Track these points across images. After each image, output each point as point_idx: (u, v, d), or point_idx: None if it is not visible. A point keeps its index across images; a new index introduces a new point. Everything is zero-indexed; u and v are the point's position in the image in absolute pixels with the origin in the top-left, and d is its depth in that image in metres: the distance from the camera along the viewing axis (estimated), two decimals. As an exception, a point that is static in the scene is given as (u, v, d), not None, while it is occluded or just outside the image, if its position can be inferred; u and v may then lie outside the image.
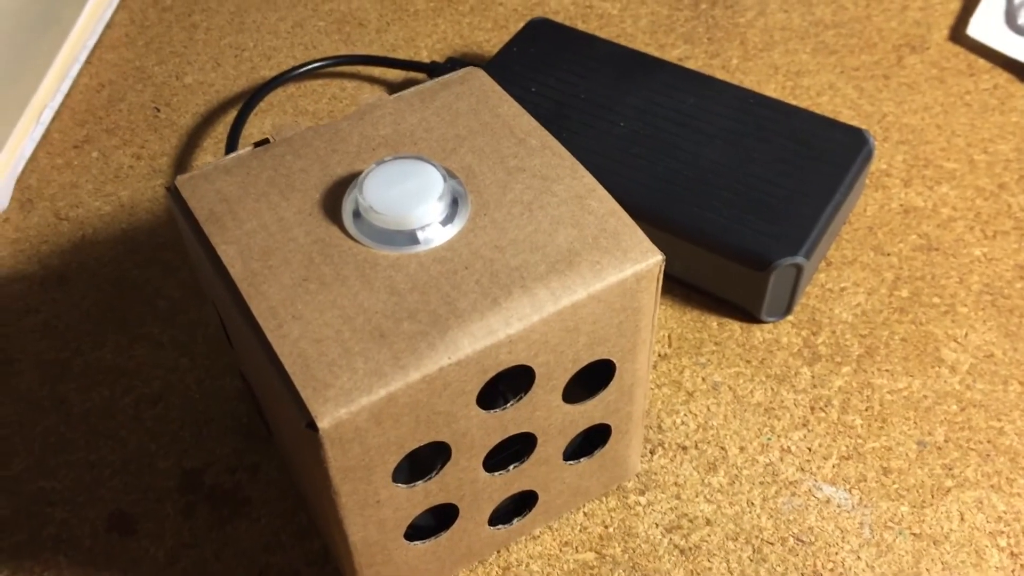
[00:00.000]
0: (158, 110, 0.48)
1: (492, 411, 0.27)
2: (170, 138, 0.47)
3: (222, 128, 0.47)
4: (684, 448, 0.36)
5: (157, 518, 0.34)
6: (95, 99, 0.49)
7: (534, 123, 0.30)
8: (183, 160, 0.46)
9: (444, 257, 0.27)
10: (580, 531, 0.34)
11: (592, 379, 0.29)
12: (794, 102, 0.47)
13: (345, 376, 0.24)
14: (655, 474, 0.35)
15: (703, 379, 0.37)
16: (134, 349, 0.39)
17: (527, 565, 0.33)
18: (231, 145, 0.44)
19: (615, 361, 0.28)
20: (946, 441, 0.35)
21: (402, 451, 0.26)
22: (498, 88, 0.31)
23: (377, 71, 0.50)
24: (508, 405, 0.27)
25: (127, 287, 0.41)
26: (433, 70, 0.48)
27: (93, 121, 0.48)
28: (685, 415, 0.36)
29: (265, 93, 0.47)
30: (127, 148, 0.47)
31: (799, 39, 0.50)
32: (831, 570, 0.32)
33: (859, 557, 0.33)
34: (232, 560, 0.33)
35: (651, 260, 0.27)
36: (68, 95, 0.49)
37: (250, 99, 0.46)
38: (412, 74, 0.49)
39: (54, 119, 0.48)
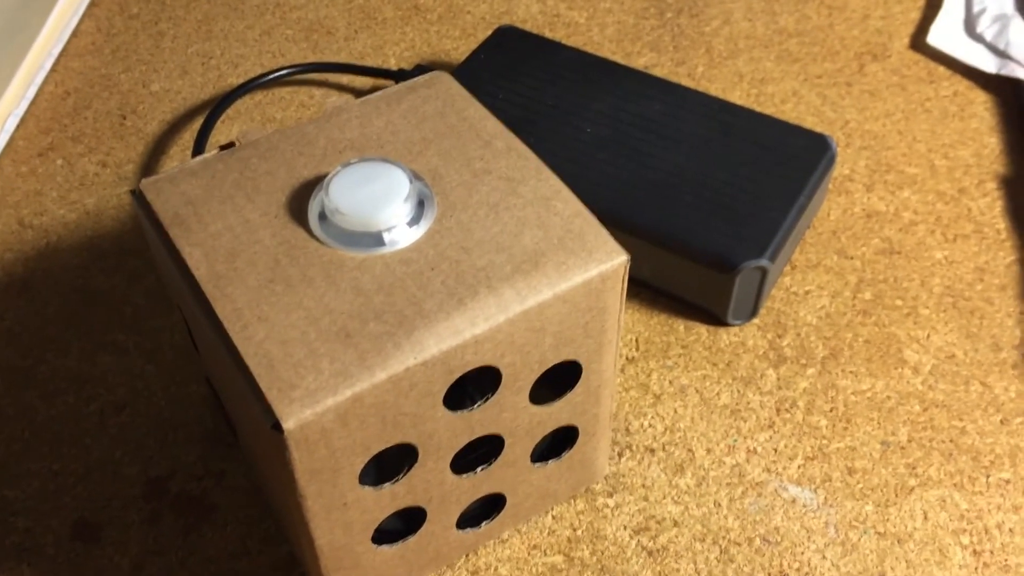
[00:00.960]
0: (124, 118, 0.48)
1: (459, 412, 0.27)
2: (136, 145, 0.47)
3: (189, 135, 0.47)
4: (652, 450, 0.36)
5: (122, 526, 0.34)
6: (60, 107, 0.49)
7: (500, 126, 0.30)
8: (149, 167, 0.46)
9: (410, 258, 0.27)
10: (548, 534, 0.34)
11: (559, 381, 0.29)
12: (759, 109, 0.47)
13: (311, 377, 0.24)
14: (623, 476, 0.35)
15: (670, 382, 0.38)
16: (99, 356, 0.39)
17: (495, 569, 0.33)
18: (198, 152, 0.44)
19: (581, 362, 0.29)
20: (909, 441, 0.36)
21: (368, 453, 0.26)
22: (464, 91, 0.32)
23: (345, 78, 0.50)
24: (475, 406, 0.27)
25: (92, 294, 0.41)
26: (401, 77, 0.48)
27: (58, 129, 0.48)
28: (653, 417, 0.37)
29: (232, 100, 0.47)
30: (93, 156, 0.46)
31: (763, 47, 0.51)
32: (797, 570, 0.33)
33: (824, 556, 0.33)
34: (198, 567, 0.33)
35: (616, 260, 0.27)
36: (33, 103, 0.49)
37: (217, 106, 0.46)
38: (380, 81, 0.49)
39: (19, 127, 0.48)
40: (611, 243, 0.27)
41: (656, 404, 0.37)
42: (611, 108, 0.42)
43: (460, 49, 0.51)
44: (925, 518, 0.34)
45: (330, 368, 0.24)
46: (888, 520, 0.34)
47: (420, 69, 0.48)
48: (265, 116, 0.48)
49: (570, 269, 0.27)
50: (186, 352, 0.39)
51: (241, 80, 0.50)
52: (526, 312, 0.26)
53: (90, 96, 0.49)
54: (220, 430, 0.36)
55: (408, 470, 0.27)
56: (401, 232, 0.27)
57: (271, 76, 0.48)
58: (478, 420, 0.28)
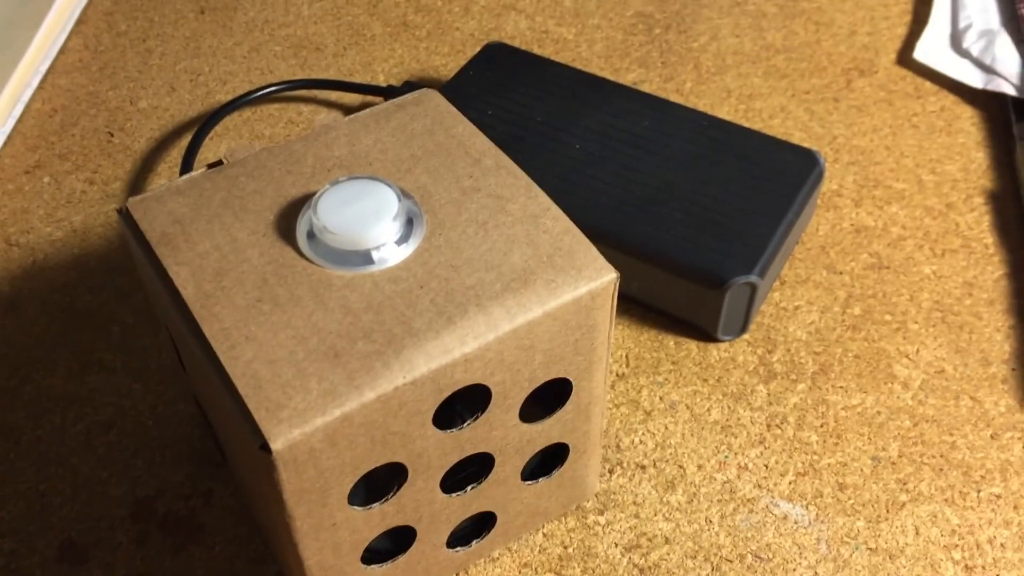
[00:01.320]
0: (112, 135, 0.48)
1: (449, 431, 0.27)
2: (124, 163, 0.47)
3: (177, 153, 0.47)
4: (643, 467, 0.36)
5: (109, 547, 0.34)
6: (47, 124, 0.49)
7: (489, 143, 0.30)
8: (137, 185, 0.46)
9: (399, 277, 0.27)
10: (539, 552, 0.34)
11: (549, 398, 0.29)
12: (747, 125, 0.48)
13: (299, 397, 0.24)
14: (614, 493, 0.35)
15: (660, 398, 0.38)
16: (86, 376, 0.38)
17: (486, 588, 0.33)
18: (186, 169, 0.44)
19: (572, 379, 0.29)
20: (900, 456, 0.36)
21: (357, 472, 0.25)
22: (453, 109, 0.32)
23: (334, 95, 0.50)
24: (465, 425, 0.27)
25: (79, 313, 0.41)
26: (390, 94, 0.48)
27: (45, 146, 0.47)
28: (643, 434, 0.37)
29: (220, 117, 0.47)
30: (80, 173, 0.46)
31: (751, 63, 0.51)
32: (789, 586, 0.33)
33: (816, 573, 0.33)
34: (186, 588, 0.33)
35: (605, 278, 0.27)
36: (20, 120, 0.49)
37: (205, 123, 0.46)
38: (369, 98, 0.49)
39: (5, 144, 0.47)
40: (600, 260, 0.27)
41: (647, 420, 0.37)
42: (600, 124, 0.42)
43: (449, 66, 0.51)
44: (917, 533, 0.34)
45: (318, 388, 0.24)
46: (880, 536, 0.34)
47: (409, 86, 0.48)
48: (254, 133, 0.48)
49: (559, 287, 0.27)
50: (173, 371, 0.39)
51: (229, 97, 0.50)
52: (515, 330, 0.26)
53: (77, 113, 0.49)
54: (208, 450, 0.36)
55: (398, 489, 0.27)
56: (390, 250, 0.27)
57: (259, 93, 0.48)
58: (468, 439, 0.27)
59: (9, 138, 0.48)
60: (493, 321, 0.26)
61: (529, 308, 0.26)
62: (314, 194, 0.28)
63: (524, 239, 0.28)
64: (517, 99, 0.44)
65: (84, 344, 0.39)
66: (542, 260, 0.27)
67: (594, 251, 0.27)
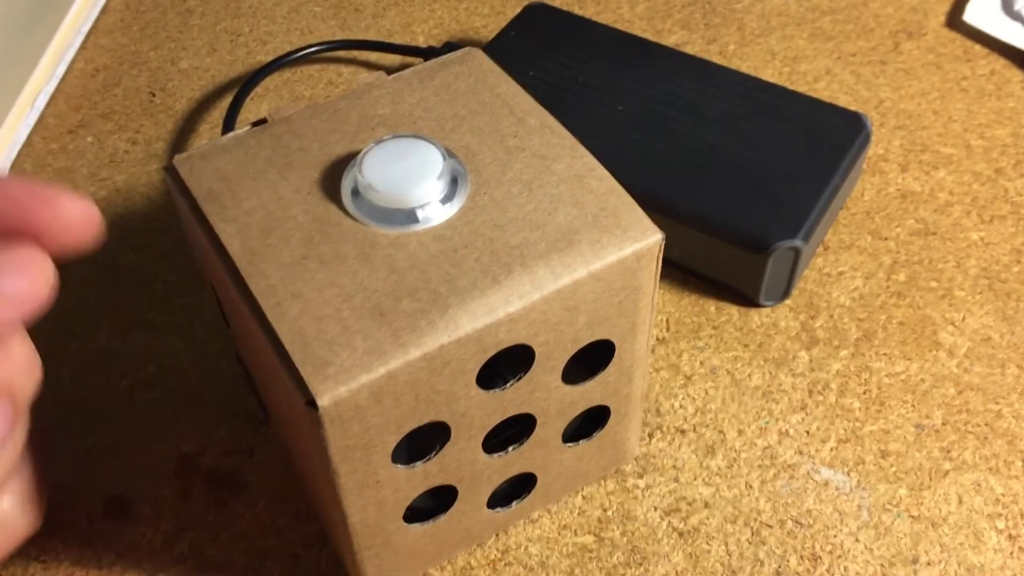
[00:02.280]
0: (153, 95, 0.48)
1: (492, 391, 0.27)
2: (166, 123, 0.47)
3: (218, 113, 0.47)
4: (682, 431, 0.36)
5: (154, 502, 0.34)
6: (90, 84, 0.49)
7: (533, 103, 0.30)
8: (179, 145, 0.46)
9: (444, 236, 0.26)
10: (579, 514, 0.34)
11: (591, 360, 0.29)
12: (791, 87, 0.47)
13: (345, 354, 0.24)
14: (653, 457, 0.35)
15: (701, 363, 0.37)
16: (129, 334, 0.39)
17: (526, 548, 0.33)
18: (227, 130, 0.44)
19: (615, 341, 0.28)
20: (944, 424, 0.35)
21: (401, 431, 0.26)
22: (497, 68, 0.31)
23: (373, 56, 0.49)
24: (508, 385, 0.27)
25: (122, 272, 0.41)
26: (430, 55, 0.48)
27: (88, 106, 0.48)
28: (683, 399, 0.36)
29: (261, 78, 0.47)
30: (122, 133, 0.46)
31: (796, 25, 0.50)
32: (830, 552, 0.32)
33: (857, 539, 0.33)
34: (229, 544, 0.33)
35: (651, 239, 0.27)
36: (63, 80, 0.49)
37: (246, 84, 0.46)
38: (409, 59, 0.49)
39: (49, 104, 0.48)
40: (646, 221, 0.27)
41: (687, 385, 0.37)
42: (642, 86, 0.42)
43: (489, 27, 0.51)
44: (960, 502, 0.33)
45: (364, 345, 0.24)
46: (922, 504, 0.33)
47: (449, 47, 0.48)
48: (294, 94, 0.48)
49: (604, 247, 0.26)
50: (216, 329, 0.39)
51: (270, 57, 0.49)
52: (560, 290, 0.26)
53: (119, 73, 0.49)
54: (250, 407, 0.36)
55: (440, 449, 0.27)
56: (434, 209, 0.27)
57: (300, 53, 0.48)
58: (510, 399, 0.27)
59: (52, 97, 0.48)
60: (538, 281, 0.26)
61: (574, 268, 0.26)
62: (359, 152, 0.28)
63: (569, 199, 0.27)
64: (558, 60, 0.43)
65: (127, 302, 0.40)
66: (587, 220, 0.27)
67: (640, 212, 0.27)
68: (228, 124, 0.44)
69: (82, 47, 0.51)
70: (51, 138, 0.46)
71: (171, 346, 0.38)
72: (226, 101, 0.47)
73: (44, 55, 0.48)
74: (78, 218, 0.25)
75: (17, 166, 0.45)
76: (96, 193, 0.44)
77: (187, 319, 0.39)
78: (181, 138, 0.46)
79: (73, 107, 0.48)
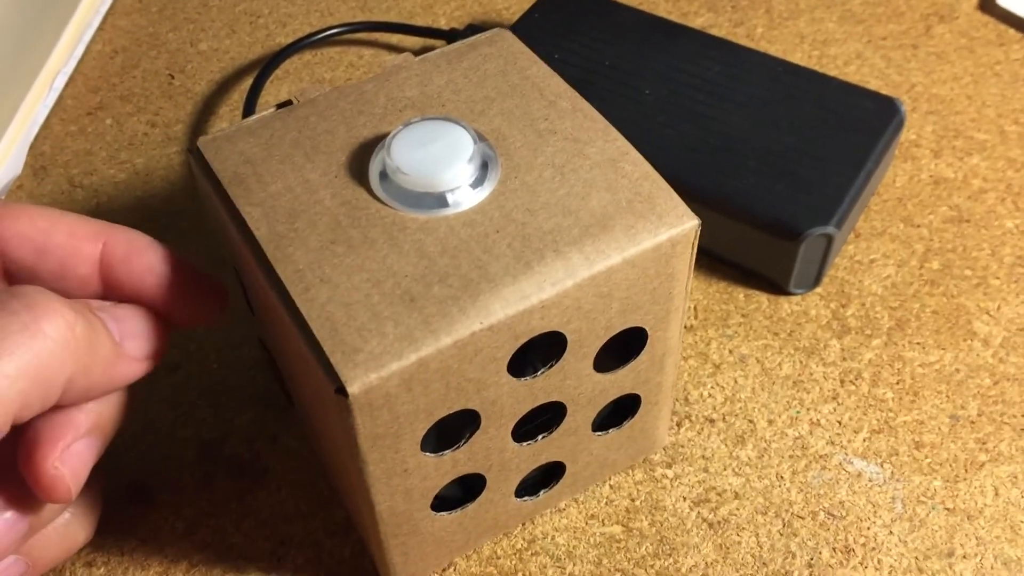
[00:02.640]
0: (172, 77, 0.48)
1: (523, 379, 0.26)
2: (185, 105, 0.46)
3: (238, 96, 0.46)
4: (711, 421, 0.35)
5: (176, 488, 0.34)
6: (109, 66, 0.48)
7: (564, 85, 0.29)
8: (198, 127, 0.45)
9: (474, 220, 0.26)
10: (606, 504, 0.33)
11: (621, 349, 0.28)
12: (821, 71, 0.46)
13: (375, 341, 0.23)
14: (682, 447, 0.34)
15: (730, 351, 0.37)
16: (151, 318, 0.38)
17: (552, 538, 0.32)
18: (248, 113, 0.44)
19: (647, 329, 0.28)
20: (979, 415, 0.35)
21: (431, 418, 0.25)
22: (526, 49, 0.31)
23: (395, 38, 0.49)
24: (539, 373, 0.26)
25: (143, 255, 0.40)
26: (453, 37, 0.47)
27: (107, 88, 0.47)
28: (712, 388, 0.36)
29: (281, 60, 0.46)
30: (141, 115, 0.46)
31: (825, 7, 0.49)
32: (863, 544, 0.32)
33: (891, 532, 0.32)
34: (252, 531, 0.33)
35: (687, 225, 0.26)
36: (81, 61, 0.48)
37: (266, 66, 0.45)
38: (431, 41, 0.48)
39: (67, 85, 0.47)
40: (681, 207, 0.26)
41: (716, 374, 0.36)
42: (670, 69, 0.41)
43: (512, 8, 0.50)
44: (996, 494, 0.33)
45: (394, 332, 0.24)
46: (957, 496, 0.33)
47: (472, 29, 0.47)
48: (314, 76, 0.47)
49: (639, 233, 0.26)
50: (238, 315, 0.38)
51: (289, 39, 0.49)
52: (594, 277, 0.25)
53: (138, 55, 0.49)
54: (273, 394, 0.36)
55: (469, 437, 0.27)
56: (465, 193, 0.26)
57: (320, 35, 0.47)
58: (541, 387, 0.27)
59: (71, 79, 0.47)
60: (571, 267, 0.25)
61: (608, 255, 0.25)
62: (387, 135, 0.28)
63: (602, 183, 0.27)
64: (584, 43, 0.43)
65: (148, 287, 0.39)
66: (621, 205, 0.26)
67: (675, 197, 0.26)
68: (249, 107, 0.44)
69: (100, 28, 0.50)
70: (70, 120, 0.46)
71: (193, 332, 0.38)
72: (246, 83, 0.47)
73: (62, 36, 0.48)
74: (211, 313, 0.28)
75: (36, 148, 0.45)
76: (115, 176, 0.43)
77: (208, 304, 0.39)
78: (201, 120, 0.46)
79: (92, 89, 0.47)
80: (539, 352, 0.27)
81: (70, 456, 0.25)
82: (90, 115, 0.46)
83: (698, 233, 0.26)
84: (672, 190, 0.27)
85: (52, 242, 0.26)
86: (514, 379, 0.26)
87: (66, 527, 0.28)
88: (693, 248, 0.27)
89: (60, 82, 0.47)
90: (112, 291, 0.27)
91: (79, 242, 0.26)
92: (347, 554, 0.32)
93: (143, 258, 0.27)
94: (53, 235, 0.26)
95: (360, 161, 0.27)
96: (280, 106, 0.29)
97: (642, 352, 0.28)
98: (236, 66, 0.48)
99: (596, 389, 0.28)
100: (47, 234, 0.26)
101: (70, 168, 0.44)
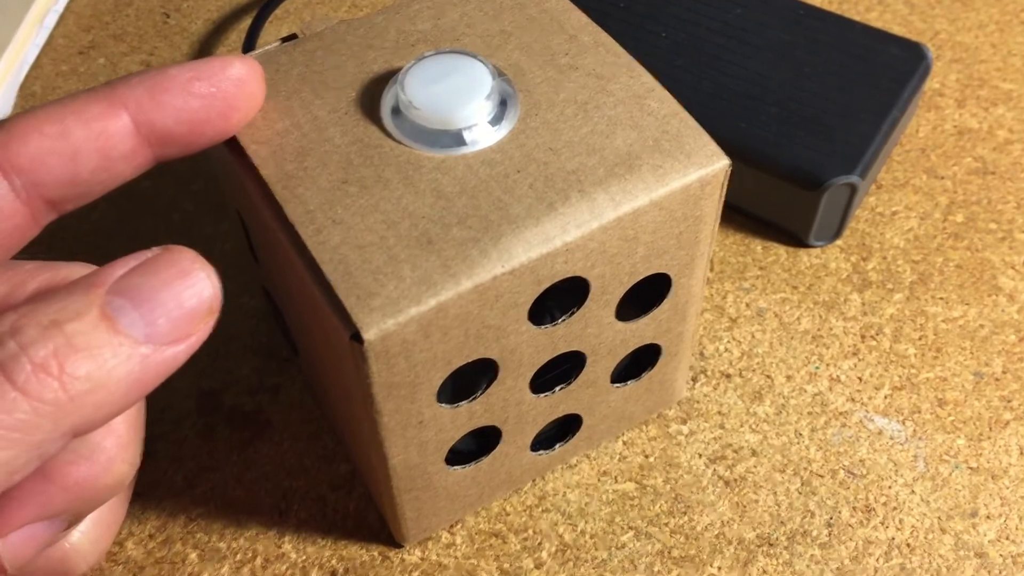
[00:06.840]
0: (168, 16, 0.46)
1: (543, 327, 0.25)
2: (180, 45, 0.44)
3: (235, 36, 0.45)
4: (728, 376, 0.34)
5: (175, 440, 0.33)
6: (101, 4, 0.46)
7: (585, 19, 0.28)
8: (195, 69, 0.43)
9: (494, 159, 0.24)
10: (619, 460, 0.32)
11: (641, 297, 0.27)
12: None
13: (391, 285, 0.22)
14: (697, 402, 0.33)
15: (747, 305, 0.36)
16: (147, 265, 0.37)
17: (564, 495, 0.31)
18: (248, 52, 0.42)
19: (672, 275, 0.27)
20: (1004, 372, 0.34)
21: (449, 367, 0.24)
22: (545, -18, 0.29)
23: (399, -21, 0.47)
24: (560, 320, 0.25)
25: (138, 200, 0.39)
26: (459, -22, 0.45)
27: (99, 26, 0.45)
28: (728, 342, 0.35)
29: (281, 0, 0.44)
30: (135, 55, 0.44)
31: (845, -48, 0.47)
32: (884, 504, 0.31)
33: (913, 491, 0.31)
34: (254, 484, 0.32)
35: (717, 165, 0.25)
36: (71, -1, 0.46)
37: (266, 5, 0.43)
38: (436, -17, 0.47)
39: (58, 24, 0.45)
40: (712, 146, 0.25)
41: (732, 328, 0.35)
42: (688, 12, 0.39)
43: (520, -50, 0.48)
44: (1021, 453, 0.32)
45: (412, 276, 0.22)
46: (981, 455, 0.32)
47: (479, -31, 0.45)
48: (315, 17, 0.45)
49: (667, 173, 0.24)
50: (238, 261, 0.37)
51: (289, -21, 0.47)
52: (620, 219, 0.24)
53: (131, -7, 0.47)
54: (274, 344, 0.35)
55: (487, 388, 0.25)
56: (483, 131, 0.25)
57: (322, -26, 0.45)
58: (562, 336, 0.26)
59: (62, 17, 0.45)
60: (597, 208, 0.24)
61: (635, 195, 0.24)
62: (399, 70, 0.26)
63: (628, 121, 0.25)
64: (598, -16, 0.41)
65: (144, 232, 0.38)
66: (648, 144, 0.25)
67: (705, 136, 0.25)
68: (248, 48, 0.42)
69: (92, -35, 0.48)
70: (61, 59, 0.44)
71: (190, 279, 0.36)
72: (244, 23, 0.45)
73: (52, -28, 0.46)
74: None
75: (26, 88, 0.43)
76: (109, 118, 0.42)
77: (207, 251, 0.37)
78: (197, 62, 0.44)
79: (83, 27, 0.45)
80: (558, 301, 0.25)
81: (17, 539, 0.21)
82: (82, 54, 0.44)
83: (728, 174, 0.25)
84: (701, 129, 0.25)
85: (74, 142, 0.22)
86: (534, 327, 0.25)
87: (69, 550, 0.24)
88: (722, 190, 0.25)
89: (50, 20, 0.45)
90: (165, 143, 0.24)
91: (101, 123, 0.23)
92: (351, 508, 0.31)
93: (169, 91, 0.23)
94: (71, 134, 0.22)
95: (371, 97, 0.26)
96: (284, 40, 0.28)
97: (665, 300, 0.27)
98: (234, 5, 0.46)
99: (617, 339, 0.27)
100: (64, 137, 0.22)
101: (61, 109, 0.42)
